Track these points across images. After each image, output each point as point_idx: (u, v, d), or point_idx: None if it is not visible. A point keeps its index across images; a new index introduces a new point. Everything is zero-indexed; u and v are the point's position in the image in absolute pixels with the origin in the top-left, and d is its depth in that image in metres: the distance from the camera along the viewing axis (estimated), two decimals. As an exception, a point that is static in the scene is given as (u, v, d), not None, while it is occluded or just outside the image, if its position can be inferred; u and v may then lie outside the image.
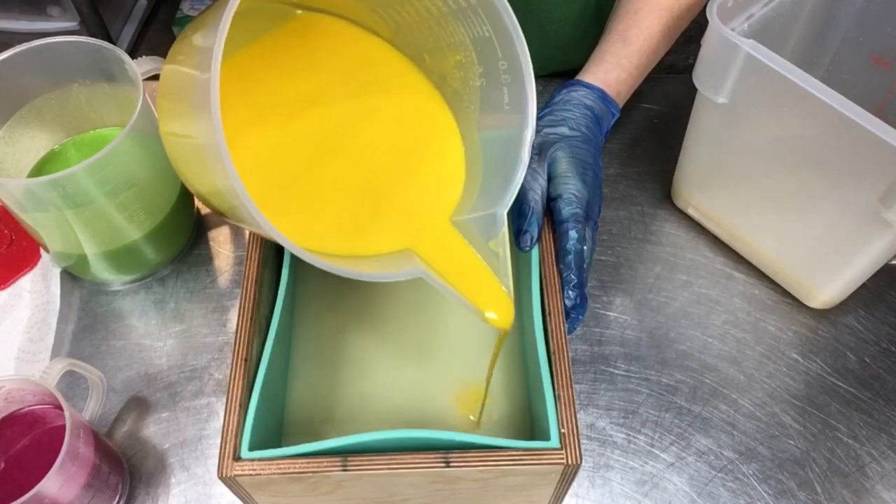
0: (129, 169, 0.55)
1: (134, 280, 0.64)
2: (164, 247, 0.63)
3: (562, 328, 0.46)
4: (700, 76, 0.55)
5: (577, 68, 0.59)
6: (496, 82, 0.45)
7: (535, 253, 0.49)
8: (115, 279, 0.63)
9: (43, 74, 0.58)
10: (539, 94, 0.74)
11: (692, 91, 0.57)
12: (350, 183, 0.45)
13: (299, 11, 0.47)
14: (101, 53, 0.57)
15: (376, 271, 0.40)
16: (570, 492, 0.50)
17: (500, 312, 0.41)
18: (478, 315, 0.41)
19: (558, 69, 0.76)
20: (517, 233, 0.49)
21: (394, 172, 0.46)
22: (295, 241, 0.36)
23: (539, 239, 0.48)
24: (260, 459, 0.41)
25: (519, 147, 0.44)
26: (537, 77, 0.44)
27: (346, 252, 0.43)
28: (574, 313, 0.47)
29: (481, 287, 0.41)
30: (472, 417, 0.50)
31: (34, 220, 0.56)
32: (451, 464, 0.40)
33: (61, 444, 0.45)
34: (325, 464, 0.40)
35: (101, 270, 0.61)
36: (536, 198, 0.49)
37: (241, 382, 0.43)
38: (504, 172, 0.44)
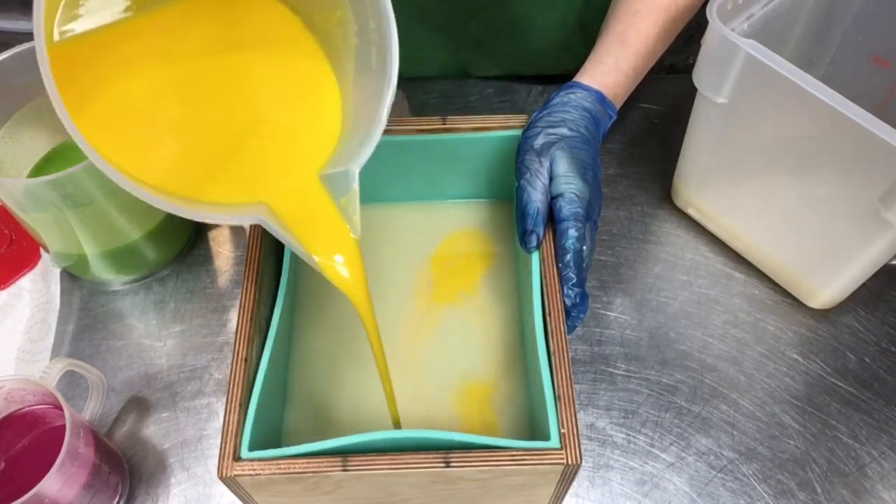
0: (129, 169, 0.55)
1: (134, 280, 0.64)
2: (164, 247, 0.63)
3: (562, 328, 0.46)
4: (700, 76, 0.55)
5: (565, 71, 0.59)
6: (367, 40, 0.45)
7: (535, 253, 0.49)
8: (115, 279, 0.63)
9: (43, 74, 0.58)
10: (539, 94, 0.75)
11: (692, 91, 0.57)
12: (209, 132, 0.45)
13: None
14: (101, 53, 0.57)
15: (213, 213, 0.42)
16: (570, 492, 0.50)
17: (346, 255, 0.42)
18: (315, 264, 0.42)
19: (545, 73, 0.76)
20: (522, 233, 0.49)
21: (261, 126, 0.46)
22: (128, 173, 0.38)
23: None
24: (260, 459, 0.41)
25: (378, 106, 0.44)
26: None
27: (186, 195, 0.43)
28: (575, 311, 0.47)
29: (327, 236, 0.42)
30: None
31: (34, 220, 0.56)
32: (451, 464, 0.40)
33: (61, 444, 0.45)
34: (325, 464, 0.40)
35: (101, 270, 0.61)
36: (540, 198, 0.49)
37: (241, 382, 0.43)
38: (364, 130, 0.44)
